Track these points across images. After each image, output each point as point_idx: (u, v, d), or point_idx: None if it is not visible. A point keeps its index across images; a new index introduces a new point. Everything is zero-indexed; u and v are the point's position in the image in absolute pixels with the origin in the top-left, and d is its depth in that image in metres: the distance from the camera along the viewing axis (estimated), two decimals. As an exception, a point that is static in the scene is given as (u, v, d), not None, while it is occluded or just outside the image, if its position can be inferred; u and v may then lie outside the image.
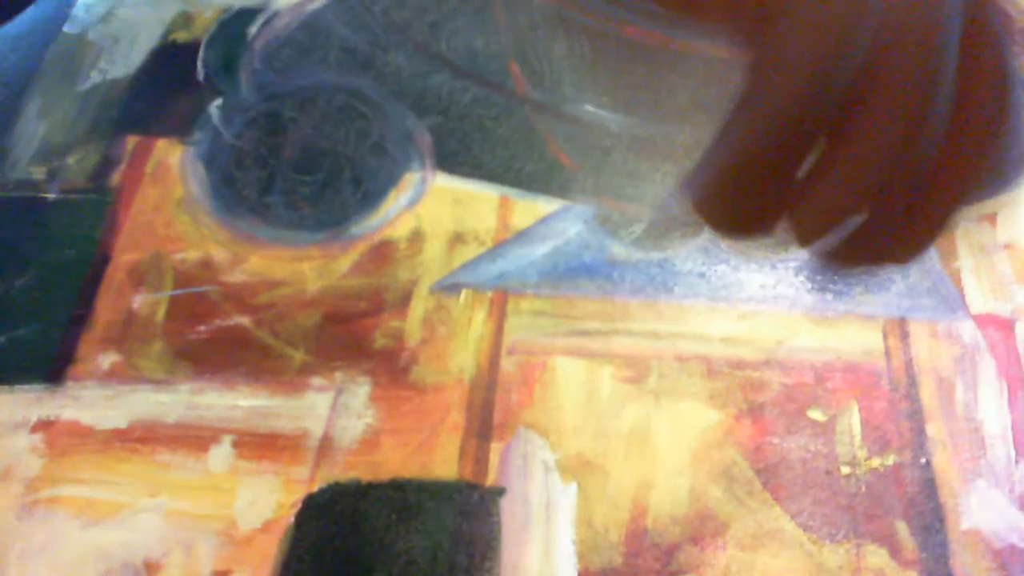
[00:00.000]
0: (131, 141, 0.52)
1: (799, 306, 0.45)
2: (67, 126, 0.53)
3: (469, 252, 0.47)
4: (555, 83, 0.54)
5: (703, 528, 0.38)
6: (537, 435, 0.41)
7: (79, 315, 0.45)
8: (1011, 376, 0.42)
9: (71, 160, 0.51)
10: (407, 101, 0.53)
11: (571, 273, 0.47)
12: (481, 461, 0.41)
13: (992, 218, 0.48)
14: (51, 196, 0.50)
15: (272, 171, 0.50)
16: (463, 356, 0.44)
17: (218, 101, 0.53)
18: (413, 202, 0.49)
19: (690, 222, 0.48)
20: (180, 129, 0.52)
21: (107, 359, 0.44)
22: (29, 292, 0.46)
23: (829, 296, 0.45)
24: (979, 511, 0.39)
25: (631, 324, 0.45)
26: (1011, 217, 0.48)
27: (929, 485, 0.39)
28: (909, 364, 0.43)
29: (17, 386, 0.43)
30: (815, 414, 0.42)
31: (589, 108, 0.53)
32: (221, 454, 0.41)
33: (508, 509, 0.39)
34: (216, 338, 0.44)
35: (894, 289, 0.46)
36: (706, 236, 0.48)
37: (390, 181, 0.50)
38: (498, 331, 0.44)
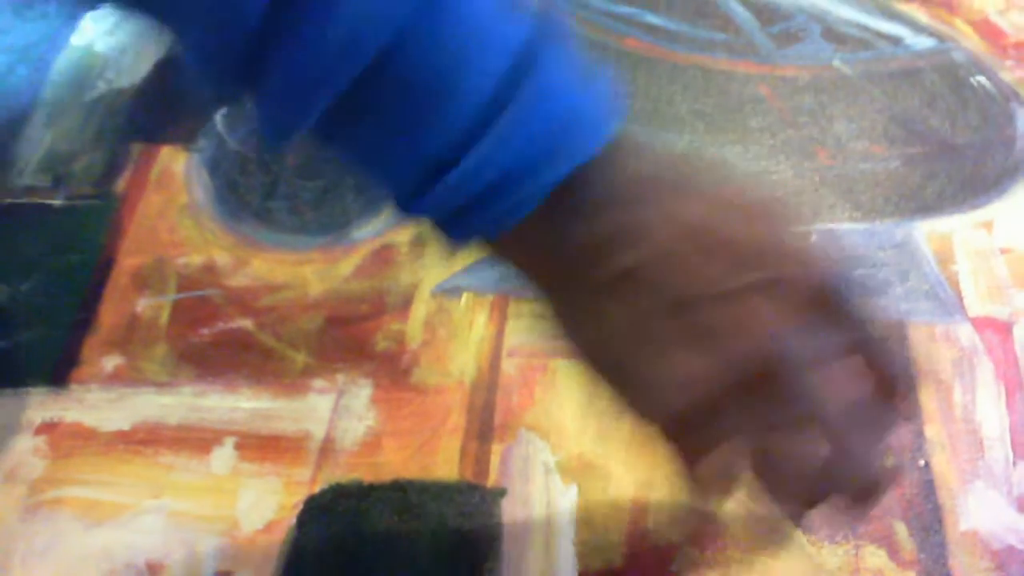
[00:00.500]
0: (136, 148, 0.53)
1: (798, 310, 0.45)
2: (73, 134, 0.53)
3: (470, 255, 0.48)
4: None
5: (703, 529, 0.39)
6: (538, 437, 0.41)
7: (83, 319, 0.46)
8: (1009, 379, 0.43)
9: (77, 167, 0.52)
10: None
11: (571, 277, 0.47)
12: (482, 462, 0.41)
13: (989, 224, 0.48)
14: (57, 202, 0.50)
15: (275, 177, 0.51)
16: (464, 358, 0.44)
17: (223, 110, 0.54)
18: (415, 207, 0.50)
19: None
20: (185, 137, 0.53)
21: (111, 362, 0.44)
22: (35, 296, 0.47)
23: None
24: (977, 512, 0.39)
25: (631, 327, 0.45)
26: (1008, 222, 0.48)
27: (928, 486, 0.40)
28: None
29: (22, 389, 0.43)
30: (814, 416, 0.42)
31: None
32: (223, 456, 0.41)
33: (509, 510, 0.39)
34: (219, 341, 0.45)
35: (893, 293, 0.46)
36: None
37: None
38: (499, 334, 0.45)
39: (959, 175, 0.50)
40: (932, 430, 0.41)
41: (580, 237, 0.27)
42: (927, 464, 0.40)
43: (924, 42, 0.57)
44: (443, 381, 0.43)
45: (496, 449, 0.41)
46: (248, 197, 0.50)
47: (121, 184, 0.51)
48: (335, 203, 0.50)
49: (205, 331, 0.45)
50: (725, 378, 0.27)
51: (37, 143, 0.53)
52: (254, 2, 0.21)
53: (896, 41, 0.57)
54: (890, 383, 0.29)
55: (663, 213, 0.27)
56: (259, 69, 0.23)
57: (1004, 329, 0.44)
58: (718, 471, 0.28)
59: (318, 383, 0.43)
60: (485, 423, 0.42)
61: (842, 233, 0.48)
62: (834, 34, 0.57)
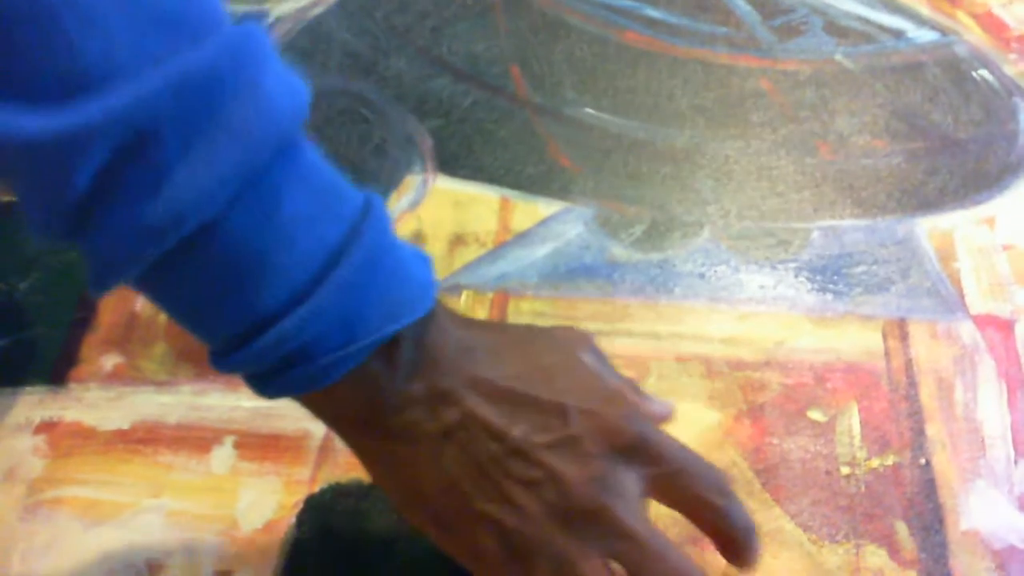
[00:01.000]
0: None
1: (799, 307, 0.45)
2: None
3: (470, 253, 0.48)
4: (556, 86, 0.55)
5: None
6: (537, 436, 0.41)
7: (82, 317, 0.46)
8: (1010, 377, 0.42)
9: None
10: (408, 105, 0.54)
11: (571, 274, 0.47)
12: (481, 462, 0.41)
13: (991, 220, 0.48)
14: (55, 200, 0.50)
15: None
16: (464, 357, 0.44)
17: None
18: (414, 204, 0.50)
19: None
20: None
21: (110, 361, 0.44)
22: (33, 295, 0.47)
23: (829, 297, 0.45)
24: (978, 511, 0.39)
25: (631, 325, 0.45)
26: (1010, 219, 0.48)
27: (928, 485, 0.39)
28: (909, 365, 0.43)
29: (20, 387, 0.43)
30: (815, 415, 0.42)
31: (589, 111, 0.53)
32: (223, 455, 0.41)
33: (508, 509, 0.39)
34: (218, 340, 0.45)
35: (894, 290, 0.46)
36: (706, 237, 0.48)
37: (391, 183, 0.50)
38: (498, 332, 0.44)
39: (961, 170, 0.50)
40: (933, 428, 0.41)
41: (392, 398, 0.30)
42: (928, 463, 0.40)
43: (926, 35, 0.57)
44: (443, 380, 0.43)
45: (496, 448, 0.41)
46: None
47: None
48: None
49: (204, 330, 0.45)
50: (529, 527, 0.30)
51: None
52: (80, 173, 0.23)
53: (898, 34, 0.57)
54: (724, 526, 0.32)
55: (472, 377, 0.30)
56: (83, 231, 0.25)
57: (1006, 327, 0.44)
58: None
59: (317, 382, 0.43)
60: (485, 422, 0.42)
61: (843, 230, 0.48)
62: (836, 28, 0.57)
